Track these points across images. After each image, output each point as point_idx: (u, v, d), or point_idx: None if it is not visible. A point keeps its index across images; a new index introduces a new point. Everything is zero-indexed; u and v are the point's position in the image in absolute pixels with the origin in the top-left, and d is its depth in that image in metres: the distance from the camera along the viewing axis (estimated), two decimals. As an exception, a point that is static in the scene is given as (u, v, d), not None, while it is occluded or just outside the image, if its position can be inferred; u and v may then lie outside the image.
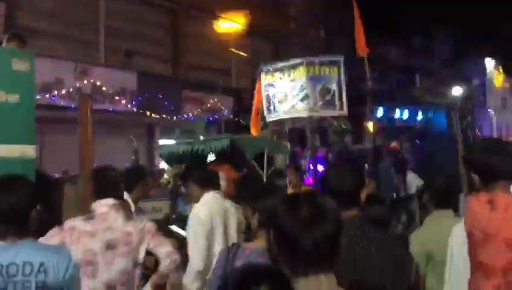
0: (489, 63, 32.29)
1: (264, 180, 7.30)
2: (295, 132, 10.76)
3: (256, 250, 2.62)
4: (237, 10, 17.53)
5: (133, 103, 13.76)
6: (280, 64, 9.39)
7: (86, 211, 3.73)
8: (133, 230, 3.27)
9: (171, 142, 9.95)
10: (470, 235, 2.42)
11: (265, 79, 9.59)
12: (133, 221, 3.35)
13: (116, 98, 13.39)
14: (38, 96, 11.50)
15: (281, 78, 9.29)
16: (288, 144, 9.33)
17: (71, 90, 12.40)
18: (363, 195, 2.66)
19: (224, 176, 7.82)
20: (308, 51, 14.15)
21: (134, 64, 14.51)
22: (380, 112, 12.93)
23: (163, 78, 15.27)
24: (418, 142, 13.39)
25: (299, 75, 8.90)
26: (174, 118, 14.67)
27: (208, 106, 15.69)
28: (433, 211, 3.49)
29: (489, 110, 30.50)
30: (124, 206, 3.46)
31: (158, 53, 15.95)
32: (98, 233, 3.17)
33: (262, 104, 9.75)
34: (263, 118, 9.82)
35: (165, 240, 3.48)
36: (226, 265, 2.63)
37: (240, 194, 4.02)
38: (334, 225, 1.64)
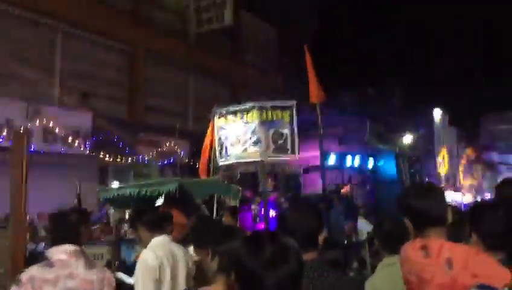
0: (437, 113, 33.60)
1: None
2: (247, 176, 10.76)
3: None
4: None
5: (87, 144, 13.51)
6: (233, 108, 9.48)
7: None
8: (94, 279, 3.18)
9: (116, 185, 9.68)
10: (406, 281, 2.42)
11: (218, 122, 9.64)
12: (94, 269, 3.25)
13: (70, 139, 13.12)
14: (-15, 138, 11.18)
15: (234, 121, 9.36)
16: (239, 188, 9.28)
17: (21, 131, 12.06)
18: (321, 238, 2.72)
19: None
20: (266, 96, 14.37)
21: (90, 105, 14.32)
22: (331, 159, 13.07)
23: (118, 120, 15.09)
24: (368, 188, 13.65)
25: (252, 119, 9.01)
26: (129, 160, 14.46)
27: (164, 149, 15.57)
28: (384, 257, 3.46)
29: (437, 159, 31.54)
30: (83, 252, 3.34)
31: (114, 94, 15.82)
32: (60, 280, 3.07)
33: (215, 147, 9.77)
34: (215, 161, 9.84)
35: None
36: None
37: (197, 238, 3.96)
38: (297, 265, 1.62)
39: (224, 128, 9.52)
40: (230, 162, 9.64)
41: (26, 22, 13.35)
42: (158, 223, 4.24)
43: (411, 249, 2.42)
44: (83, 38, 14.76)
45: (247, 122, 9.10)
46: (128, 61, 16.33)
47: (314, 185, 11.98)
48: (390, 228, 3.45)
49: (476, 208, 2.81)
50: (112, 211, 8.29)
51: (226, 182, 9.83)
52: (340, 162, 13.85)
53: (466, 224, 2.74)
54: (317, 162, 10.64)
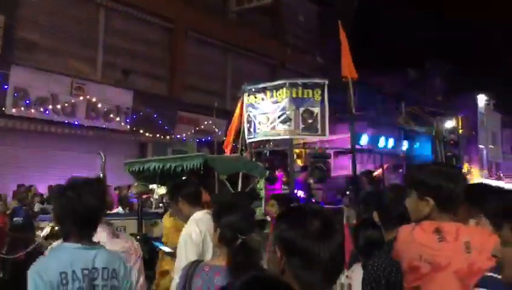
0: (481, 98, 32.67)
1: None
2: (276, 155, 10.61)
3: (215, 267, 2.63)
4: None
5: (127, 120, 13.80)
6: (263, 85, 9.39)
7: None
8: (119, 248, 3.14)
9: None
10: (412, 268, 2.27)
11: (247, 100, 9.58)
12: (119, 239, 3.24)
13: (111, 115, 13.42)
14: (32, 110, 11.58)
15: (263, 99, 9.28)
16: (266, 167, 9.15)
17: (66, 105, 12.43)
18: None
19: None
20: (304, 75, 14.22)
21: (131, 82, 14.57)
22: (364, 140, 12.54)
23: (158, 98, 15.32)
24: (401, 171, 13.24)
25: (282, 97, 8.90)
26: (168, 137, 14.71)
27: (202, 127, 15.74)
28: None
29: (480, 145, 30.75)
30: (107, 223, 3.32)
31: (155, 72, 16.03)
32: None
33: (243, 124, 9.69)
34: (243, 139, 9.72)
35: (142, 269, 3.39)
36: (185, 281, 2.67)
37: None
38: (342, 234, 1.66)
39: (253, 106, 9.45)
40: (258, 139, 9.58)
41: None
42: (199, 197, 4.25)
43: (422, 232, 2.29)
44: (125, 15, 14.94)
45: (276, 101, 9.00)
46: (169, 38, 16.47)
47: (345, 167, 11.74)
48: None
49: (480, 188, 2.70)
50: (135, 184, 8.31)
51: (253, 159, 9.66)
52: (373, 144, 13.38)
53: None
54: (349, 145, 10.41)
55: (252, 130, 9.47)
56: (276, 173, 10.39)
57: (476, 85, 31.95)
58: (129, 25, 15.08)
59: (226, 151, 10.05)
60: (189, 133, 15.40)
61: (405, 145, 13.88)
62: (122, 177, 9.16)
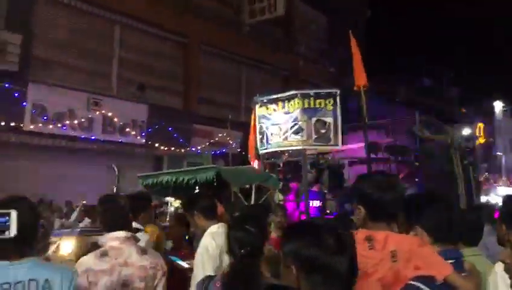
0: (498, 105, 32.37)
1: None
2: (290, 166, 10.56)
3: None
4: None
5: (143, 134, 13.95)
6: (274, 96, 9.35)
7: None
8: (147, 264, 3.14)
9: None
10: None
11: (259, 111, 9.53)
12: (147, 255, 3.21)
13: (127, 129, 13.59)
14: (50, 126, 11.78)
15: (275, 110, 9.22)
16: (280, 178, 9.10)
17: (83, 120, 12.62)
18: None
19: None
20: (317, 86, 14.23)
21: (146, 96, 14.75)
22: (379, 149, 12.42)
23: (173, 111, 15.48)
24: (417, 180, 13.07)
25: (294, 108, 8.84)
26: (183, 150, 14.82)
27: (217, 139, 15.84)
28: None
29: (497, 152, 30.41)
30: (134, 238, 3.31)
31: (169, 86, 16.21)
32: (115, 269, 3.03)
33: (256, 135, 9.64)
34: (256, 150, 9.68)
35: (165, 286, 3.34)
36: None
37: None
38: (353, 248, 1.71)
39: (265, 117, 9.41)
40: (271, 150, 9.51)
41: (86, 14, 13.84)
42: (214, 210, 4.27)
43: (359, 238, 2.30)
44: (140, 30, 15.18)
45: (288, 111, 8.95)
46: (183, 53, 16.65)
47: None
48: (475, 220, 3.47)
49: (417, 199, 2.67)
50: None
51: (267, 170, 9.61)
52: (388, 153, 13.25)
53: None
54: (363, 154, 10.33)
55: (264, 141, 9.44)
56: (290, 184, 10.37)
57: (492, 92, 31.71)
58: (143, 40, 15.30)
59: (252, 163, 10.06)
60: (204, 145, 15.50)
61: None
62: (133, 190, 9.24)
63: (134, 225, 4.58)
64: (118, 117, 13.31)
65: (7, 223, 2.36)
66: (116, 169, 7.66)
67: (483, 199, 17.19)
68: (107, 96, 13.66)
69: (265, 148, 9.52)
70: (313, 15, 22.55)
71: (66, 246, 6.61)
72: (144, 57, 15.27)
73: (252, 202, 7.39)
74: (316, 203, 10.52)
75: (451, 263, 2.24)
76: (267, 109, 9.39)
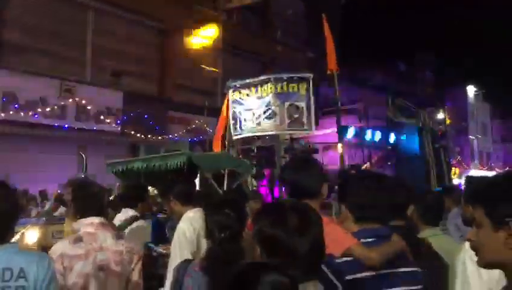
0: (471, 89, 32.88)
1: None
2: (264, 152, 10.50)
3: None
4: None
5: (118, 122, 13.73)
6: (247, 81, 9.28)
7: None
8: (123, 249, 3.15)
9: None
10: None
11: (232, 96, 9.46)
12: (122, 240, 3.24)
13: (101, 117, 13.34)
14: (21, 114, 11.48)
15: (248, 95, 9.17)
16: (253, 163, 8.91)
17: (55, 108, 12.34)
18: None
19: None
20: (295, 72, 14.23)
21: (121, 83, 14.49)
22: (350, 133, 12.34)
23: (149, 98, 15.27)
24: (389, 164, 13.24)
25: (267, 92, 8.79)
26: (160, 137, 14.66)
27: (193, 126, 15.71)
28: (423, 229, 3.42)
29: (470, 136, 30.99)
30: (112, 225, 3.34)
31: (145, 73, 15.93)
32: (90, 255, 3.04)
33: (229, 121, 9.57)
34: (229, 135, 9.60)
35: (141, 270, 3.36)
36: (176, 281, 2.69)
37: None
38: (319, 229, 1.68)
39: (238, 102, 9.35)
40: (244, 135, 9.45)
41: (58, -1, 13.46)
42: (190, 196, 4.24)
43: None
44: (114, 15, 14.84)
45: (261, 96, 8.90)
46: (158, 39, 16.40)
47: (334, 162, 11.69)
48: (431, 200, 3.49)
49: (349, 179, 2.78)
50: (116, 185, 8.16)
51: (240, 156, 9.51)
52: (360, 137, 13.31)
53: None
54: (337, 140, 10.39)
55: (237, 126, 9.38)
56: (263, 170, 10.27)
57: (466, 77, 32.15)
58: (118, 25, 14.98)
59: (215, 148, 9.97)
60: (181, 133, 15.36)
61: (392, 138, 13.82)
62: (113, 179, 9.07)
63: (132, 213, 4.72)
64: (92, 104, 13.05)
65: None
66: (83, 156, 7.47)
67: (455, 181, 17.56)
68: (81, 83, 13.36)
69: (239, 134, 9.45)
70: (291, 0, 22.43)
71: (30, 235, 6.55)
72: (119, 42, 14.95)
73: (225, 188, 7.31)
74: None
75: (369, 241, 2.25)
76: (240, 93, 9.32)
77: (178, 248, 3.83)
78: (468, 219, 2.85)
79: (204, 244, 3.67)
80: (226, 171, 7.53)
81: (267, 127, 8.98)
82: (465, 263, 2.49)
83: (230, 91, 9.59)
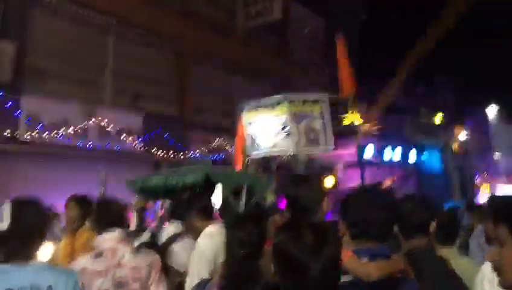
0: (493, 109, 32.49)
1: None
2: (284, 169, 10.38)
3: None
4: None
5: (139, 141, 13.92)
6: (262, 102, 9.14)
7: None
8: (142, 264, 3.17)
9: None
10: None
11: (247, 117, 9.37)
12: (141, 254, 3.25)
13: (122, 138, 13.53)
14: (45, 136, 11.71)
15: (263, 115, 9.06)
16: (273, 179, 8.96)
17: (78, 130, 12.56)
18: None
19: None
20: (313, 92, 14.27)
21: (141, 105, 14.70)
22: (369, 152, 11.96)
23: (169, 119, 15.45)
24: (410, 182, 12.97)
25: (282, 112, 8.64)
26: (181, 155, 14.79)
27: (214, 145, 15.81)
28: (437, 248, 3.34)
29: (495, 154, 30.57)
30: (129, 240, 3.38)
31: (164, 94, 16.17)
32: (110, 271, 3.06)
33: (246, 141, 9.46)
34: (245, 155, 9.52)
35: (163, 281, 3.39)
36: None
37: None
38: (338, 249, 1.63)
39: (253, 122, 9.25)
40: (262, 154, 9.37)
41: (79, 23, 13.80)
42: (211, 211, 4.25)
43: None
44: (133, 39, 15.15)
45: (277, 115, 8.73)
46: (177, 60, 16.63)
47: (353, 181, 11.44)
48: (443, 218, 3.38)
49: (349, 197, 2.67)
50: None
51: (259, 173, 9.52)
52: (379, 156, 12.98)
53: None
54: (356, 158, 10.26)
55: (255, 146, 9.26)
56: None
57: (487, 96, 31.77)
58: (137, 48, 15.28)
59: (238, 166, 9.96)
60: (202, 151, 15.50)
61: (413, 157, 13.58)
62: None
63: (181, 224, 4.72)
64: (113, 125, 13.25)
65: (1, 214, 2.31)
66: (103, 174, 7.47)
67: (481, 200, 17.22)
68: (102, 105, 13.59)
69: (256, 154, 9.37)
70: (309, 19, 22.51)
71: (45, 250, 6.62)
72: (138, 65, 15.23)
73: (243, 204, 7.09)
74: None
75: (364, 260, 2.15)
76: (256, 113, 9.22)
77: (196, 265, 3.77)
78: (491, 237, 2.78)
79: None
80: (245, 187, 7.52)
81: (285, 146, 8.80)
82: (483, 284, 2.47)
83: (245, 112, 9.52)
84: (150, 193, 7.75)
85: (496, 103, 32.86)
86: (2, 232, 2.35)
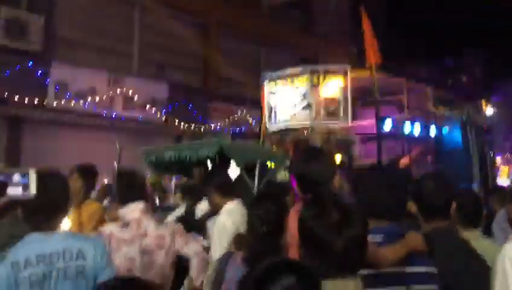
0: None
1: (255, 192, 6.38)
2: (301, 144, 9.77)
3: None
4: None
5: (163, 112, 14.17)
6: (283, 72, 9.08)
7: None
8: (165, 233, 3.27)
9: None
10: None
11: (268, 87, 9.32)
12: (163, 224, 3.39)
13: (147, 107, 13.82)
14: (72, 104, 12.06)
15: (283, 85, 9.02)
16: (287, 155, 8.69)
17: (104, 98, 12.88)
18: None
19: None
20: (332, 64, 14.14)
21: (166, 75, 14.92)
22: (388, 125, 11.37)
23: (192, 90, 15.64)
24: (430, 158, 12.41)
25: (302, 84, 8.60)
26: (202, 128, 15.00)
27: (236, 117, 15.97)
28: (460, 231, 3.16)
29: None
30: (152, 214, 3.45)
31: (189, 65, 16.34)
32: (136, 240, 3.17)
33: (264, 112, 9.36)
34: (265, 127, 9.36)
35: (193, 239, 3.50)
36: (218, 273, 2.72)
37: None
38: (362, 229, 1.65)
39: (273, 93, 9.15)
40: (279, 127, 9.21)
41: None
42: (230, 187, 4.26)
43: (292, 212, 2.48)
44: (159, 11, 15.30)
45: (297, 87, 8.65)
46: (202, 33, 16.72)
47: (371, 155, 11.07)
48: (468, 200, 3.21)
49: (357, 175, 2.67)
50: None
51: (274, 148, 9.19)
52: (398, 129, 12.35)
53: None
54: (375, 131, 9.89)
55: (272, 117, 9.20)
56: None
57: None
58: (162, 21, 15.42)
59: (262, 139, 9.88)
60: (223, 123, 15.66)
61: (433, 131, 12.76)
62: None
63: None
64: (138, 95, 13.53)
65: (27, 182, 2.37)
66: (118, 146, 7.40)
67: (504, 182, 16.68)
68: (128, 75, 13.87)
69: (274, 126, 9.25)
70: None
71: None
72: (164, 37, 15.40)
73: (256, 180, 6.97)
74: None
75: (378, 240, 2.12)
76: (276, 84, 9.08)
77: (218, 240, 3.84)
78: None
79: None
80: (258, 163, 7.21)
81: (302, 118, 8.78)
82: (504, 262, 2.37)
83: (266, 82, 9.44)
84: (162, 167, 7.66)
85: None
86: (28, 203, 2.42)
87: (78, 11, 13.33)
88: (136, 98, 13.47)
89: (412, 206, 2.63)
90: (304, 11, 20.53)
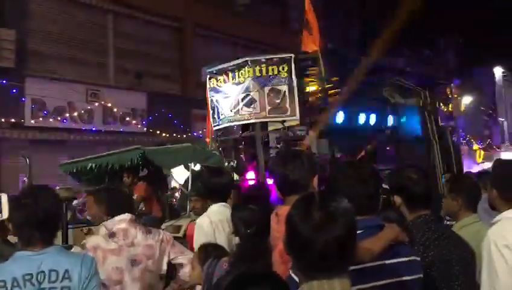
0: (498, 70, 32.10)
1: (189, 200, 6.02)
2: (249, 142, 9.08)
3: None
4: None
5: (143, 123, 13.96)
6: (223, 66, 8.46)
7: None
8: (153, 243, 3.27)
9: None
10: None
11: (209, 83, 8.67)
12: (151, 234, 3.34)
13: (127, 119, 13.59)
14: (50, 120, 11.80)
15: (225, 82, 8.37)
16: (222, 156, 8.22)
17: (82, 112, 12.63)
18: None
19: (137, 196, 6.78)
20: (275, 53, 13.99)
21: (144, 84, 14.71)
22: (339, 117, 10.65)
23: (172, 97, 15.46)
24: (388, 149, 12.09)
25: (245, 77, 8.02)
26: (184, 136, 14.82)
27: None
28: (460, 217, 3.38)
29: (499, 118, 30.28)
30: (140, 223, 3.45)
31: (167, 72, 16.14)
32: (123, 250, 3.17)
33: (208, 111, 8.78)
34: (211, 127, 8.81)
35: (185, 248, 3.50)
36: (206, 279, 2.72)
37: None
38: (346, 229, 1.62)
39: (215, 90, 8.53)
40: (223, 126, 8.63)
41: (78, 5, 13.75)
42: (210, 190, 4.09)
43: (273, 215, 2.49)
44: (133, 18, 15.07)
45: (239, 82, 8.07)
46: (178, 38, 16.55)
47: (324, 151, 10.42)
48: (469, 186, 3.47)
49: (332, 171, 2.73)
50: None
51: (220, 148, 8.73)
52: (352, 121, 11.50)
53: None
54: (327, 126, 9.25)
55: (216, 116, 8.53)
56: (250, 162, 9.02)
57: (492, 57, 31.31)
58: (137, 28, 15.19)
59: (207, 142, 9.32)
60: (205, 130, 15.47)
61: (390, 120, 11.95)
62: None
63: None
64: (117, 107, 13.31)
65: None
66: (27, 159, 7.12)
67: (486, 165, 16.91)
68: (105, 86, 13.62)
69: (217, 125, 8.60)
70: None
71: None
72: (139, 44, 15.18)
73: (189, 185, 6.67)
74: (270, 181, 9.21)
75: (358, 233, 2.04)
76: (217, 80, 8.48)
77: (197, 242, 3.73)
78: (492, 203, 2.76)
79: (219, 237, 3.64)
80: (191, 166, 7.02)
81: (247, 115, 7.99)
82: (490, 247, 2.48)
83: (207, 78, 8.76)
84: (91, 178, 7.38)
85: (501, 64, 32.43)
86: (19, 219, 2.45)
87: (50, 23, 13.05)
88: (115, 110, 13.23)
89: (397, 198, 2.71)
90: (278, 7, 20.45)
